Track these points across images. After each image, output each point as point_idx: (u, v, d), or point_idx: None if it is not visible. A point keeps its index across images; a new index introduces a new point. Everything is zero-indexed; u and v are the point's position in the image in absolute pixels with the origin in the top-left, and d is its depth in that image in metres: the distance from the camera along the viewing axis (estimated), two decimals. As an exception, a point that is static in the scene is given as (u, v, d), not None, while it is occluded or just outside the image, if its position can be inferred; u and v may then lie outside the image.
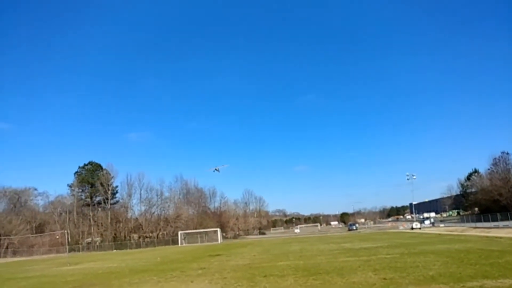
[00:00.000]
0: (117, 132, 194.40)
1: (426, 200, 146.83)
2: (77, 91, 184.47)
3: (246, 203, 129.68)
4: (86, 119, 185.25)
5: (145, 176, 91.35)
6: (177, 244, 72.74)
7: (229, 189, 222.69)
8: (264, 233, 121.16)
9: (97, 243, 79.98)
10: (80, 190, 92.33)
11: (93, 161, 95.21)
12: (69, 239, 69.11)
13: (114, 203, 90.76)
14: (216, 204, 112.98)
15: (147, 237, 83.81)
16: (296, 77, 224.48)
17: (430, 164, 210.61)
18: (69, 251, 57.74)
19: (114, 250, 69.94)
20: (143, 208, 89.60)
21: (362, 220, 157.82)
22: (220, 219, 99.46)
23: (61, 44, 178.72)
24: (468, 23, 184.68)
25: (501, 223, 49.61)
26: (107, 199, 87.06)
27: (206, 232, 78.81)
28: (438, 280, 11.42)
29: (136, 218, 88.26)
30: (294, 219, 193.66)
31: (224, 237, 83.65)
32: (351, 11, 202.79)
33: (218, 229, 79.05)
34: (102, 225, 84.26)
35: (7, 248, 71.09)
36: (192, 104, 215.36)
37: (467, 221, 67.31)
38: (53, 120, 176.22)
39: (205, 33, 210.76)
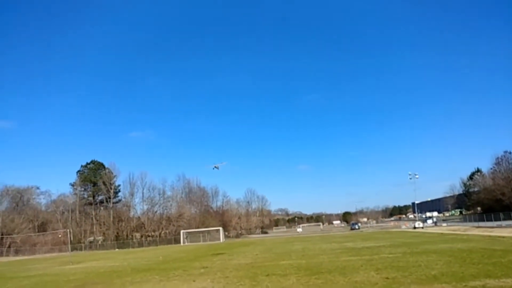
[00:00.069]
0: (120, 131, 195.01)
1: (429, 199, 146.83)
2: (79, 90, 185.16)
3: (248, 202, 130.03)
4: (89, 118, 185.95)
5: (148, 175, 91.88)
6: (179, 243, 72.86)
7: (232, 188, 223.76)
8: (266, 232, 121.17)
9: (99, 242, 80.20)
10: (83, 189, 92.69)
11: (95, 160, 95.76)
12: (71, 238, 69.22)
13: (117, 202, 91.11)
14: (219, 203, 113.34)
15: (149, 236, 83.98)
16: (298, 76, 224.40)
17: (432, 164, 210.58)
18: (71, 250, 57.89)
19: (116, 249, 70.10)
20: (145, 207, 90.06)
21: (365, 219, 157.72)
22: (222, 218, 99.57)
23: (63, 44, 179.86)
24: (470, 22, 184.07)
25: (503, 223, 49.48)
26: (110, 198, 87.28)
27: (208, 231, 78.88)
28: (440, 279, 11.36)
29: (138, 217, 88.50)
30: (296, 218, 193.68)
31: (226, 236, 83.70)
32: (353, 9, 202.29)
33: (220, 228, 79.13)
34: (104, 224, 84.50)
35: (9, 247, 71.35)
36: (194, 103, 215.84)
37: (470, 221, 67.14)
38: (55, 119, 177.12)
39: (207, 32, 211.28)
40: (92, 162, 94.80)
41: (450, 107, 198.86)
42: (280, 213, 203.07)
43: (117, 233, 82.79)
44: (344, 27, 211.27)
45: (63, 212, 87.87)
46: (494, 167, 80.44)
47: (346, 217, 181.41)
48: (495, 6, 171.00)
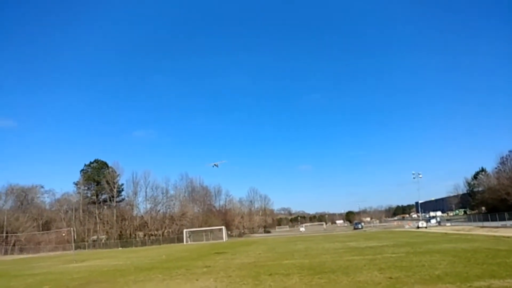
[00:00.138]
0: (123, 130, 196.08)
1: (432, 199, 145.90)
2: (83, 89, 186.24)
3: (251, 201, 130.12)
4: (92, 117, 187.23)
5: (151, 174, 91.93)
6: (182, 242, 72.96)
7: (234, 187, 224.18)
8: (269, 232, 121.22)
9: (103, 241, 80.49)
10: (86, 188, 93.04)
11: (99, 159, 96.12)
12: (75, 237, 69.54)
13: (120, 201, 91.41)
14: (221, 202, 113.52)
15: (152, 235, 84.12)
16: (300, 76, 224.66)
17: (436, 163, 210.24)
18: (75, 249, 58.08)
19: (120, 248, 70.32)
20: (148, 206, 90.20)
21: (368, 219, 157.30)
22: (225, 217, 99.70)
23: (65, 42, 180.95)
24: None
25: (508, 223, 49.11)
26: (113, 197, 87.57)
27: (211, 230, 78.97)
28: (444, 279, 11.30)
29: (142, 216, 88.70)
30: (299, 218, 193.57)
31: (229, 235, 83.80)
32: (354, 9, 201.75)
33: (223, 227, 79.17)
34: (107, 223, 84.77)
35: (14, 245, 71.80)
36: (197, 103, 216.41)
37: (474, 220, 66.74)
38: (59, 118, 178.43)
39: (210, 31, 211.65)
40: (96, 161, 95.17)
41: (453, 107, 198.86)
42: (283, 212, 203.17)
43: (121, 232, 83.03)
44: (346, 27, 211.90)
45: (67, 211, 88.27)
46: (498, 166, 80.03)
47: (349, 216, 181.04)
48: (495, 6, 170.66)
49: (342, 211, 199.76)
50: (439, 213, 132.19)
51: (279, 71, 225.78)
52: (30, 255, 62.67)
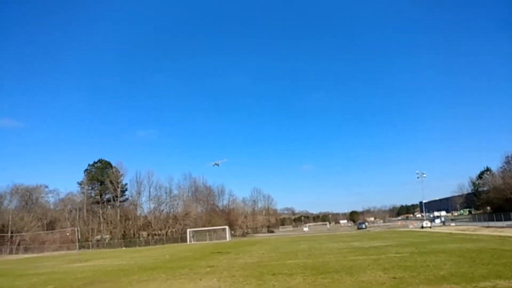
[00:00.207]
0: (126, 130, 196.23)
1: (437, 198, 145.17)
2: (84, 89, 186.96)
3: (254, 201, 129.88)
4: (96, 117, 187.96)
5: (154, 174, 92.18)
6: (186, 241, 73.05)
7: (238, 187, 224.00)
8: (272, 231, 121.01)
9: (107, 241, 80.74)
10: (90, 188, 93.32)
11: (102, 159, 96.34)
12: (79, 236, 69.86)
13: (124, 201, 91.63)
14: (225, 202, 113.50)
15: (156, 234, 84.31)
16: (304, 75, 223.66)
17: (440, 163, 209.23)
18: (79, 248, 58.38)
19: (123, 248, 70.52)
20: (152, 206, 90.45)
21: (372, 219, 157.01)
22: (229, 217, 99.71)
23: (68, 43, 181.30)
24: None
25: (513, 222, 48.82)
26: (117, 196, 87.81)
27: (214, 230, 79.00)
28: (449, 280, 11.21)
29: (145, 216, 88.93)
30: (302, 218, 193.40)
31: (232, 235, 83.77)
32: (356, 9, 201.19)
33: (227, 227, 79.18)
34: (111, 223, 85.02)
35: (19, 244, 72.22)
36: (199, 103, 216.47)
37: (479, 220, 66.34)
38: (63, 118, 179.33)
39: (210, 31, 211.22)
40: (99, 161, 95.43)
41: (458, 106, 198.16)
42: (286, 212, 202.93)
43: (124, 231, 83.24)
44: (350, 26, 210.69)
45: (71, 211, 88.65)
46: (504, 166, 79.67)
47: (353, 216, 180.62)
48: (495, 6, 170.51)
49: (346, 211, 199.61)
50: (443, 213, 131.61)
51: (280, 71, 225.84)
52: (34, 255, 63.00)
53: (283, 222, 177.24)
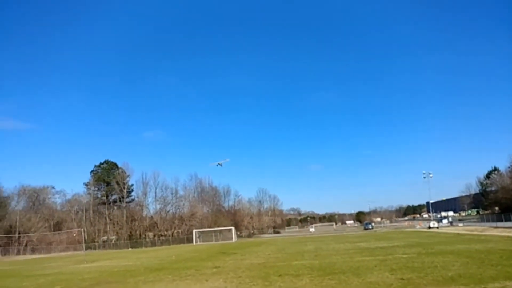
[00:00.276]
0: (133, 131, 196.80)
1: (444, 198, 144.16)
2: (86, 89, 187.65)
3: (260, 201, 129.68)
4: (102, 118, 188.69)
5: (160, 175, 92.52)
6: (192, 242, 73.16)
7: (243, 188, 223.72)
8: (278, 232, 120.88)
9: (113, 241, 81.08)
10: (96, 189, 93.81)
11: (109, 160, 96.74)
12: (86, 237, 70.25)
13: (130, 202, 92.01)
14: (231, 203, 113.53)
15: (162, 235, 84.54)
16: (310, 74, 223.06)
17: (447, 162, 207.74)
18: (86, 249, 58.68)
19: (130, 248, 70.78)
20: (158, 207, 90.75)
21: (378, 219, 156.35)
22: (235, 218, 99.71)
23: (73, 44, 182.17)
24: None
25: (523, 223, 48.30)
26: (123, 197, 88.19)
27: (220, 230, 79.02)
28: (458, 281, 11.07)
29: (151, 217, 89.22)
30: (309, 218, 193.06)
31: (238, 236, 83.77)
32: (356, 9, 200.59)
33: (233, 228, 79.15)
34: (117, 224, 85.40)
35: (26, 245, 72.75)
36: (206, 102, 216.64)
37: (487, 221, 65.67)
38: (69, 120, 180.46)
39: (214, 31, 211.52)
40: (106, 162, 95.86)
41: (458, 106, 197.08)
42: (292, 212, 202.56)
43: (130, 232, 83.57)
44: (353, 26, 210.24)
45: (78, 212, 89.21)
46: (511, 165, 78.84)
47: (359, 216, 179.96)
48: (495, 6, 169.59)
49: (352, 211, 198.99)
50: (451, 213, 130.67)
51: (288, 69, 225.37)
52: (41, 255, 63.44)
53: (289, 223, 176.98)
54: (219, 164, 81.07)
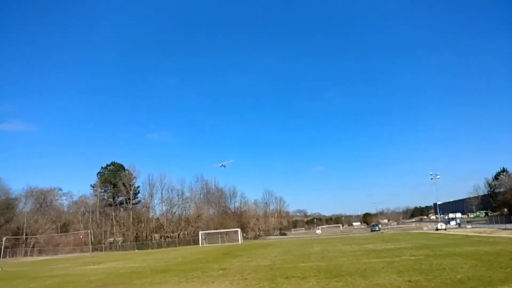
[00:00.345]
0: (139, 132, 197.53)
1: (451, 200, 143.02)
2: (92, 90, 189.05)
3: (266, 203, 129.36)
4: (109, 120, 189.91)
5: (166, 176, 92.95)
6: (198, 244, 73.22)
7: (249, 189, 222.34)
8: (285, 234, 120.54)
9: (119, 243, 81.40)
10: (103, 191, 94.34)
11: (115, 161, 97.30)
12: (92, 239, 70.61)
13: (136, 203, 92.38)
14: (237, 204, 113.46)
15: (168, 237, 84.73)
16: (310, 74, 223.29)
17: (455, 164, 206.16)
18: (92, 251, 58.89)
19: (136, 250, 70.98)
20: (164, 208, 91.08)
21: (385, 221, 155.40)
22: (241, 219, 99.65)
23: (79, 46, 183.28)
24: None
25: (532, 224, 47.73)
26: (129, 199, 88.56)
27: (226, 232, 78.99)
28: (466, 283, 10.93)
29: (158, 218, 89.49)
30: (315, 220, 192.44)
31: (244, 238, 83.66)
32: (356, 8, 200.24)
33: (239, 230, 79.06)
34: (124, 225, 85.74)
35: (33, 247, 73.34)
36: (212, 104, 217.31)
37: (496, 222, 65.02)
38: (76, 121, 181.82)
39: (214, 31, 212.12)
40: (112, 163, 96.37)
41: (458, 106, 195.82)
42: (298, 214, 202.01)
43: (137, 234, 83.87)
44: (357, 25, 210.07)
45: (84, 213, 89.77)
46: (520, 166, 77.99)
47: (366, 218, 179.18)
48: (495, 6, 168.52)
49: (359, 213, 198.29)
50: (458, 215, 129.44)
51: (293, 71, 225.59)
52: (48, 257, 63.84)
53: (295, 225, 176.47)
54: (222, 165, 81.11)
